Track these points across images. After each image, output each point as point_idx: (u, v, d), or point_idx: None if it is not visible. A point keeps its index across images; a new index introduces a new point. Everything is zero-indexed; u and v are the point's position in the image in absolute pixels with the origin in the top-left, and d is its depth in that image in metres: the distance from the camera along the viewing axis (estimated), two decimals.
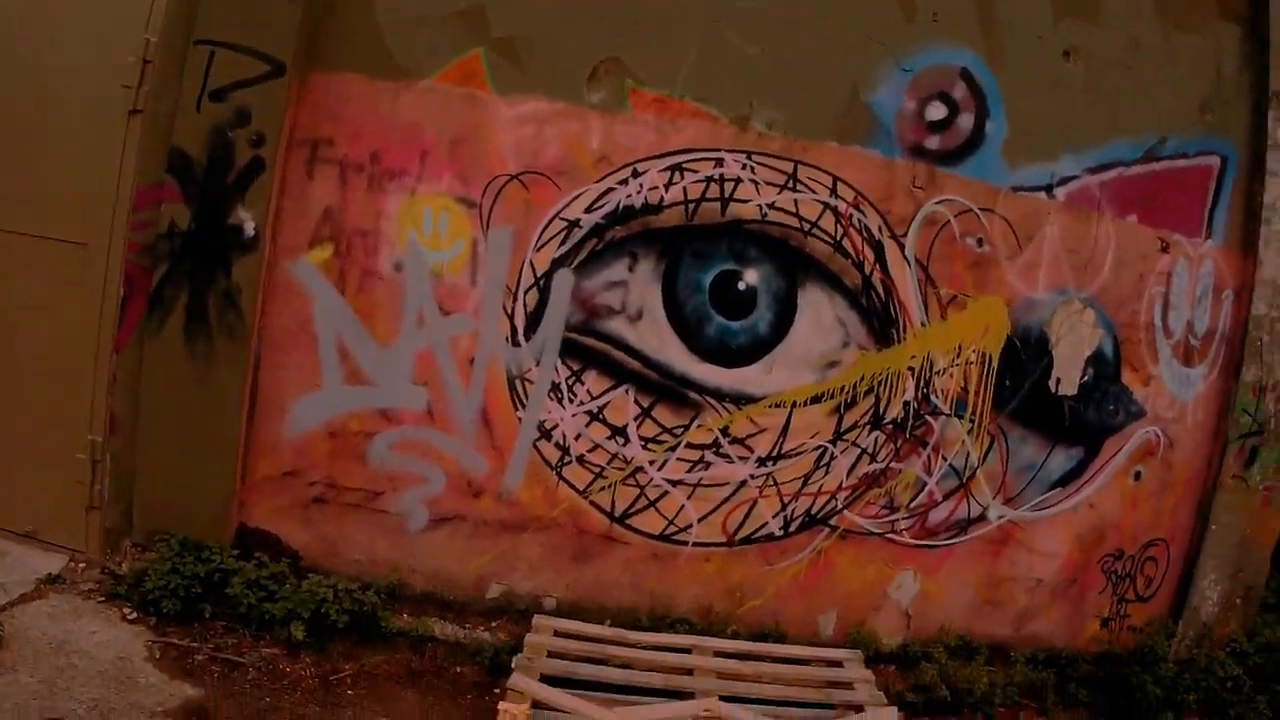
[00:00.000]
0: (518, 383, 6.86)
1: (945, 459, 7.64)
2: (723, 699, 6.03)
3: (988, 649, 7.77)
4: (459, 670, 6.44)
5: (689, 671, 6.42)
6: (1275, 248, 8.25)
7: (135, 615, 6.12)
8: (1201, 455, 8.43)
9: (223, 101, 6.38)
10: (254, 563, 6.33)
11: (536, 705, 5.46)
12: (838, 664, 6.95)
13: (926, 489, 7.62)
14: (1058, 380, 7.83)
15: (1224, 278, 8.29)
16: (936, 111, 7.35)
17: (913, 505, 7.63)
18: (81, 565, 6.47)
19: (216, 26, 6.36)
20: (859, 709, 6.32)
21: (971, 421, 7.64)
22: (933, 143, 7.35)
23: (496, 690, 6.16)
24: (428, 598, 6.91)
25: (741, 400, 7.14)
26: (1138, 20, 7.87)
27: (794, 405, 7.21)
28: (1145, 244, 7.96)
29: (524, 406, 6.88)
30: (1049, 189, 7.66)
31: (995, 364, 7.62)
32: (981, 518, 7.80)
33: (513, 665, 6.00)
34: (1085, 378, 7.90)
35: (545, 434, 6.94)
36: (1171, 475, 8.36)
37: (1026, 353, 7.70)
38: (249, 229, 6.43)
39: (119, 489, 6.58)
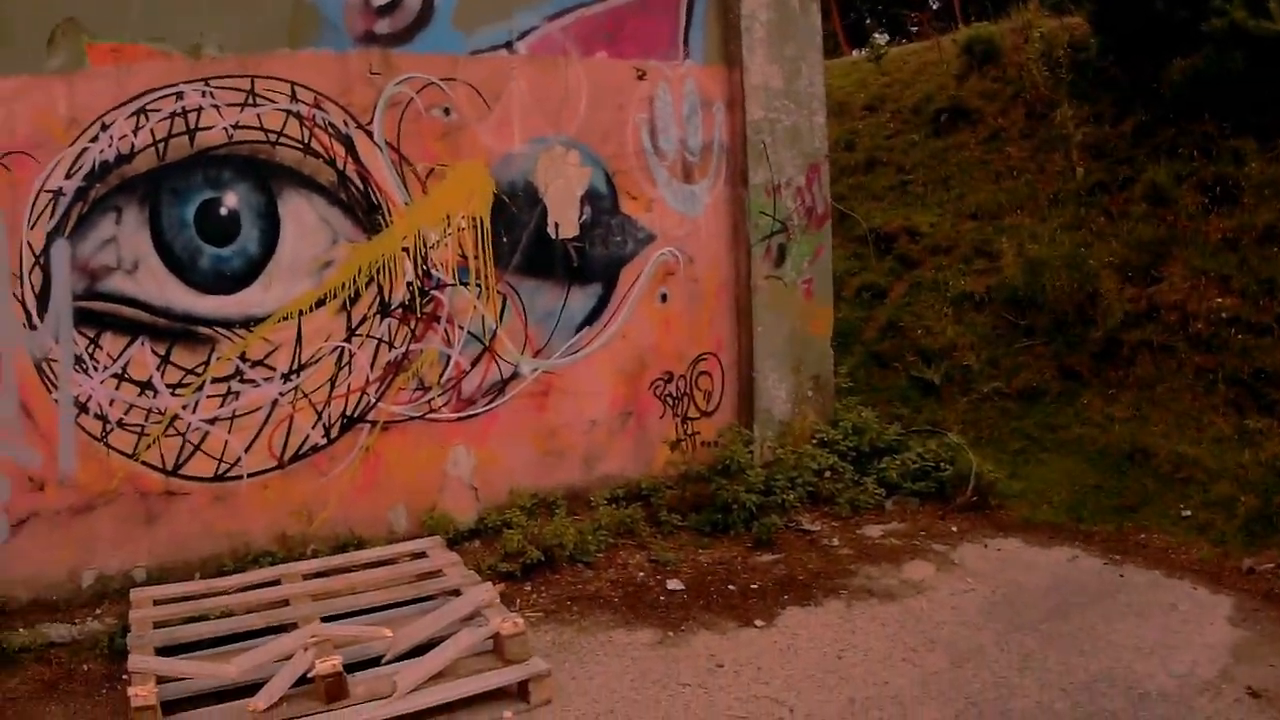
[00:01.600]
0: (44, 365, 7.17)
1: (463, 328, 8.35)
2: (324, 619, 6.52)
3: (565, 500, 8.58)
4: (86, 667, 6.62)
5: (285, 602, 6.88)
6: (760, 54, 9.28)
7: None
8: (727, 263, 9.42)
9: None
10: None
11: (161, 679, 5.72)
12: (422, 555, 7.58)
13: (452, 361, 8.35)
14: (556, 225, 8.66)
15: (711, 92, 9.26)
16: None
17: (444, 380, 8.33)
18: None
19: None
20: (457, 593, 6.83)
21: (479, 285, 8.39)
22: (383, 27, 7.98)
23: (124, 676, 6.18)
24: (35, 604, 7.09)
25: (250, 323, 7.66)
26: None
27: (300, 314, 7.80)
28: (620, 76, 8.85)
29: (56, 387, 7.23)
30: (509, 45, 8.43)
31: (488, 224, 8.38)
32: (515, 375, 8.60)
33: (127, 647, 6.20)
34: (584, 217, 8.76)
35: (83, 408, 7.30)
36: (699, 289, 9.30)
37: (518, 206, 8.49)
38: None
39: None
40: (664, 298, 9.16)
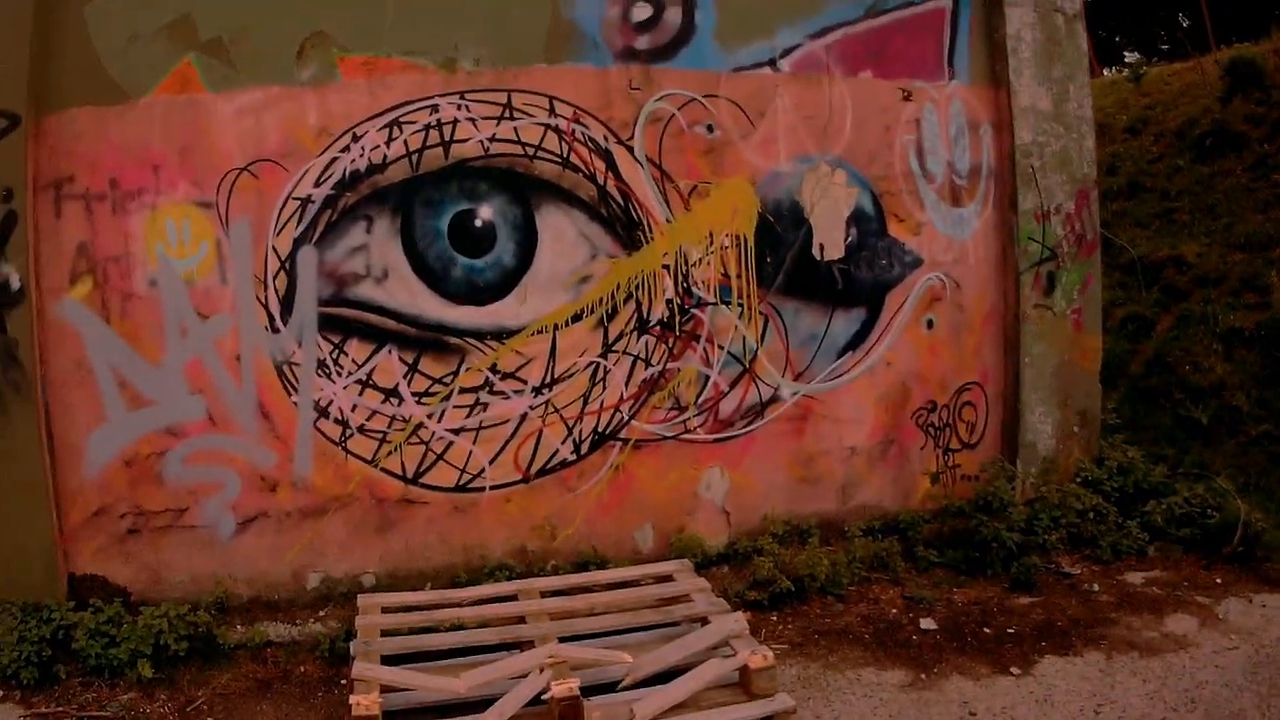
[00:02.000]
0: (285, 368, 7.22)
1: (722, 348, 8.07)
2: (561, 639, 6.26)
3: (819, 529, 8.20)
4: (303, 669, 6.67)
5: (521, 618, 6.65)
6: (1027, 75, 8.78)
7: (1, 694, 6.26)
8: (994, 291, 8.91)
9: None
10: (91, 610, 6.61)
11: (385, 689, 5.60)
12: (668, 578, 7.21)
13: (710, 382, 8.06)
14: (821, 246, 8.29)
15: (977, 114, 8.78)
16: (642, 12, 7.81)
17: (700, 401, 8.05)
18: None
19: None
20: (704, 620, 6.51)
21: (740, 305, 8.08)
22: (643, 43, 7.82)
23: (342, 681, 6.46)
24: (254, 603, 7.24)
25: (503, 335, 7.54)
26: None
27: (555, 328, 7.64)
28: (885, 96, 8.44)
29: (296, 390, 7.26)
30: (772, 63, 8.14)
31: (752, 243, 8.07)
32: (775, 398, 8.26)
33: (351, 653, 6.15)
34: (850, 238, 8.37)
35: (323, 412, 7.31)
36: (965, 317, 8.82)
37: (782, 226, 8.16)
38: (14, 282, 6.74)
39: None
40: (930, 324, 8.72)
